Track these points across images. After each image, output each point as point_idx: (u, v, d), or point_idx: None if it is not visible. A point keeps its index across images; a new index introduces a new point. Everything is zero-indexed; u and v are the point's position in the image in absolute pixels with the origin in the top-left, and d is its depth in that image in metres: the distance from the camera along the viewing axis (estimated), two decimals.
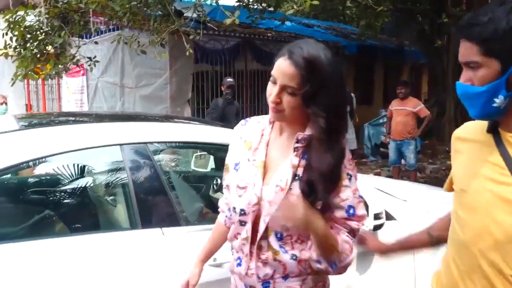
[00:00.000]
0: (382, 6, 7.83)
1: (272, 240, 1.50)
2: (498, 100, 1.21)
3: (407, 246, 1.83)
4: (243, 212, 1.53)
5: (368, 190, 2.48)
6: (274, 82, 1.45)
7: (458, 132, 1.47)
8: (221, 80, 8.24)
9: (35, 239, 1.98)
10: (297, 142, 1.48)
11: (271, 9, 8.32)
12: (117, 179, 2.44)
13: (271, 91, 1.46)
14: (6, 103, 6.89)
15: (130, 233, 2.08)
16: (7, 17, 7.29)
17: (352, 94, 9.52)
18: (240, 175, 1.56)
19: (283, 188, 1.47)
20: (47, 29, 7.22)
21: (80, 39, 8.05)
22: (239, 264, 1.57)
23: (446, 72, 9.85)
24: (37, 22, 7.38)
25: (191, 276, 1.77)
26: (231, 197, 1.60)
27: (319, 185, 1.42)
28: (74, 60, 7.72)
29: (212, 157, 3.54)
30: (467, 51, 1.22)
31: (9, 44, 7.57)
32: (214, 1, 6.79)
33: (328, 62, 1.41)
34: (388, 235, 2.47)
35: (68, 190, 2.72)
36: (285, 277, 1.52)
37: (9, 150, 1.99)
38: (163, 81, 8.88)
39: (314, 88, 1.39)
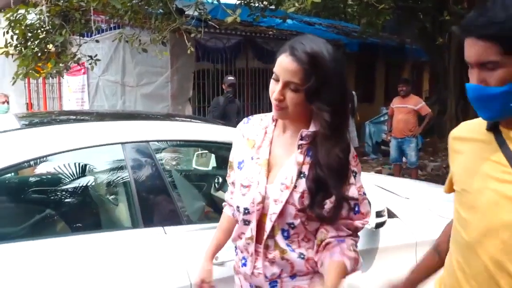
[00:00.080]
0: (383, 4, 7.80)
1: (279, 238, 1.49)
2: None
3: (421, 276, 1.64)
4: (247, 211, 1.52)
5: (370, 188, 2.47)
6: (277, 80, 1.44)
7: (455, 133, 1.44)
8: (222, 79, 8.23)
9: (36, 239, 1.98)
10: (301, 139, 1.47)
11: (273, 7, 8.30)
12: (119, 178, 2.44)
13: (274, 88, 1.45)
14: (8, 102, 6.88)
15: (132, 232, 2.07)
16: (8, 15, 7.29)
17: (354, 92, 9.50)
18: (244, 173, 1.55)
19: (288, 186, 1.46)
20: (48, 27, 7.22)
21: (81, 37, 8.04)
22: (244, 264, 1.56)
23: (447, 70, 9.83)
24: (38, 21, 7.37)
25: (206, 273, 1.74)
26: (235, 196, 1.59)
27: (330, 180, 1.41)
28: (75, 59, 7.71)
29: (213, 156, 3.53)
30: (483, 51, 1.16)
31: (10, 42, 7.56)
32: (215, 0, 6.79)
33: (330, 57, 1.41)
34: (390, 232, 2.48)
35: (70, 189, 2.72)
36: (293, 276, 1.51)
37: (10, 149, 1.99)
38: (164, 80, 8.88)
39: (317, 83, 1.38)
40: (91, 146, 2.12)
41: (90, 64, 7.93)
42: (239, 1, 8.11)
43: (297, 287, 1.52)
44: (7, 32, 7.41)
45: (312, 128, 1.46)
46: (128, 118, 2.85)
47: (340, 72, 1.45)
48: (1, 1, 9.25)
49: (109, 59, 9.59)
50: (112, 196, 2.61)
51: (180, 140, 2.64)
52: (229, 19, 5.92)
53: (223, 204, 1.81)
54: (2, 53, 7.73)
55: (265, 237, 1.49)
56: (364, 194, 1.53)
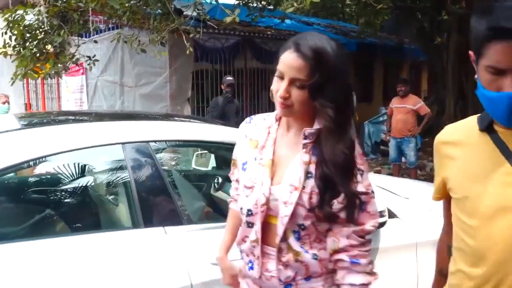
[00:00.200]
0: (381, 3, 7.80)
1: (292, 241, 1.45)
2: None
3: None
4: (250, 213, 1.49)
5: None
6: (281, 77, 1.41)
7: (443, 137, 1.38)
8: (221, 79, 8.23)
9: (36, 239, 1.98)
10: (305, 138, 1.44)
11: (271, 7, 8.30)
12: (119, 178, 2.43)
13: (278, 86, 1.42)
14: (8, 102, 6.89)
15: (133, 232, 2.07)
16: (7, 16, 7.29)
17: (352, 92, 9.49)
18: (247, 174, 1.53)
19: (297, 187, 1.42)
20: (46, 28, 7.21)
21: (79, 38, 8.04)
22: (251, 268, 1.52)
23: (445, 70, 9.82)
24: (37, 21, 7.36)
25: (229, 269, 1.69)
26: (239, 197, 1.57)
27: (336, 178, 1.39)
28: (74, 59, 7.71)
29: (213, 156, 3.53)
30: None
31: (8, 43, 7.56)
32: (213, 0, 6.78)
33: (334, 52, 1.39)
34: (391, 233, 2.48)
35: (70, 190, 2.72)
36: (308, 278, 1.47)
37: (11, 149, 1.99)
38: (163, 80, 8.87)
39: (321, 79, 1.36)
40: (92, 146, 2.12)
41: (88, 64, 7.93)
42: (237, 1, 8.11)
43: None
44: (6, 33, 7.40)
45: (315, 126, 1.43)
46: (127, 118, 2.85)
47: (344, 68, 1.43)
48: None
49: (107, 59, 9.58)
50: (113, 196, 2.61)
51: (180, 140, 2.64)
52: (228, 19, 5.92)
53: (229, 200, 1.78)
54: (0, 54, 7.72)
55: (278, 240, 1.45)
56: (373, 192, 1.49)
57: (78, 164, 2.64)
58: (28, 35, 7.43)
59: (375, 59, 13.49)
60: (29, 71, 7.36)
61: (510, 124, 1.19)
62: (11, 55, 7.73)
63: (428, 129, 7.62)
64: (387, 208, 2.46)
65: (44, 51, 7.44)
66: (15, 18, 7.29)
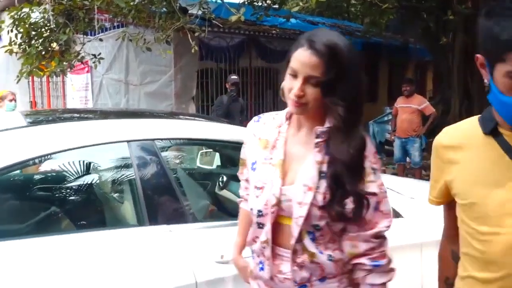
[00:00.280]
0: (387, 3, 7.76)
1: (307, 242, 1.43)
2: None
3: None
4: (260, 213, 1.47)
5: None
6: (295, 75, 1.39)
7: (444, 141, 1.35)
8: (225, 77, 8.23)
9: (42, 236, 1.98)
10: (317, 137, 1.42)
11: (276, 6, 8.30)
12: (124, 176, 2.44)
13: (291, 84, 1.39)
14: (15, 100, 6.93)
15: (137, 229, 2.08)
16: (12, 13, 7.32)
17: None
18: (257, 175, 1.51)
19: (311, 187, 1.40)
20: (52, 26, 7.23)
21: (84, 36, 8.06)
22: (261, 269, 1.51)
23: (451, 70, 9.79)
24: (42, 19, 7.39)
25: (246, 268, 1.67)
26: (250, 198, 1.55)
27: (344, 177, 1.37)
28: (79, 57, 7.73)
29: (217, 154, 3.53)
30: None
31: (14, 41, 7.59)
32: None
33: (347, 48, 1.37)
34: (395, 232, 2.47)
35: (75, 187, 2.73)
36: (322, 279, 1.45)
37: (17, 146, 2.00)
38: (168, 78, 8.88)
39: (335, 76, 1.34)
40: (97, 144, 2.13)
41: (93, 62, 7.95)
42: (242, 0, 8.11)
43: None
44: (12, 31, 7.43)
45: (327, 125, 1.41)
46: (133, 116, 2.85)
47: (357, 65, 1.41)
48: (5, 0, 9.26)
49: (112, 57, 9.60)
50: (118, 194, 2.61)
51: (185, 139, 2.64)
52: (233, 18, 5.92)
53: (238, 200, 1.77)
54: (6, 51, 7.75)
55: (293, 242, 1.43)
56: (385, 192, 1.46)
57: (84, 161, 2.65)
58: (33, 33, 7.46)
59: (380, 59, 13.46)
60: (34, 69, 7.39)
61: None
62: (16, 52, 7.76)
63: (433, 129, 7.59)
64: (392, 207, 2.45)
65: (49, 49, 7.47)
66: (21, 16, 7.32)
